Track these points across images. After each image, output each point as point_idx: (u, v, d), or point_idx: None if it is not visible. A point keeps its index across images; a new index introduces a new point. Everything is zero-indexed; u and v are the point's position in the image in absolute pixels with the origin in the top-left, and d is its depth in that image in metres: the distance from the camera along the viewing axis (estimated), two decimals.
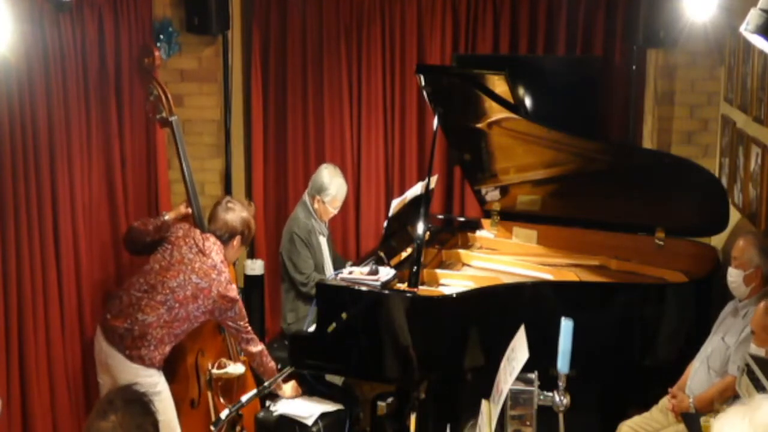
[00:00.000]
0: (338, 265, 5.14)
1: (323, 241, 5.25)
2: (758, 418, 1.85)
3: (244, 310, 4.34)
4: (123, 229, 4.65)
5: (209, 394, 4.53)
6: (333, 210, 5.22)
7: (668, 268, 4.77)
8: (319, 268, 5.19)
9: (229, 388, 4.66)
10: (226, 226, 4.37)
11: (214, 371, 4.56)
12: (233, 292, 4.27)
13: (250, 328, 4.39)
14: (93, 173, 4.43)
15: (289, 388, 4.60)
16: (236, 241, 4.42)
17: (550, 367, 3.20)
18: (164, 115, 4.58)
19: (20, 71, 3.81)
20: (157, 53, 4.63)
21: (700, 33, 5.02)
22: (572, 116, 5.30)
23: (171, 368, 4.45)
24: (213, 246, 4.29)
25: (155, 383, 4.12)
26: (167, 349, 4.20)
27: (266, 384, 4.01)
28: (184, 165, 4.59)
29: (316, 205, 5.19)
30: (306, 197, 5.24)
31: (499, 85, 4.54)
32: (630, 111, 5.53)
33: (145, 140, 5.03)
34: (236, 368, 4.61)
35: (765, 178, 4.31)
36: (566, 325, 3.10)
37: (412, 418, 4.39)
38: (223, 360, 4.64)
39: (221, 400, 4.59)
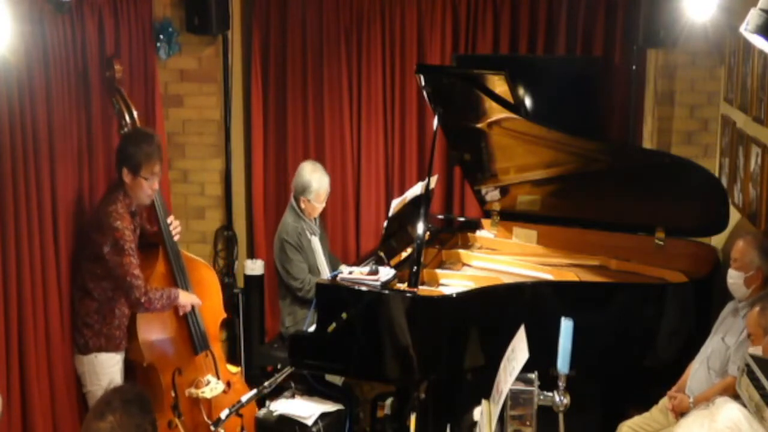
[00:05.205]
0: (333, 267, 5.14)
1: (315, 240, 5.24)
2: (717, 423, 1.85)
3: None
4: None
5: (177, 420, 4.34)
6: (319, 205, 5.22)
7: (668, 268, 4.76)
8: (313, 269, 5.19)
9: (208, 406, 4.49)
10: None
11: (191, 391, 4.40)
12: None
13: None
14: (93, 173, 4.42)
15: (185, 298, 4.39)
16: None
17: (550, 367, 3.20)
18: (126, 130, 4.38)
19: (20, 71, 3.80)
20: (117, 66, 4.41)
21: (700, 33, 5.02)
22: (572, 116, 5.30)
23: (146, 387, 4.29)
24: None
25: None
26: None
27: (266, 384, 3.99)
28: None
29: (302, 205, 5.19)
30: (292, 200, 5.25)
31: (499, 85, 4.53)
32: (630, 111, 5.52)
33: None
34: (214, 389, 4.45)
35: (765, 178, 4.31)
36: (566, 325, 3.10)
37: (412, 418, 4.39)
38: (204, 378, 4.48)
39: (204, 417, 4.43)
